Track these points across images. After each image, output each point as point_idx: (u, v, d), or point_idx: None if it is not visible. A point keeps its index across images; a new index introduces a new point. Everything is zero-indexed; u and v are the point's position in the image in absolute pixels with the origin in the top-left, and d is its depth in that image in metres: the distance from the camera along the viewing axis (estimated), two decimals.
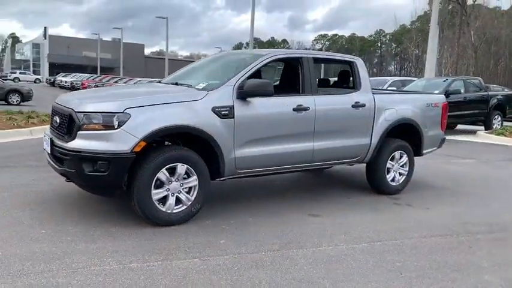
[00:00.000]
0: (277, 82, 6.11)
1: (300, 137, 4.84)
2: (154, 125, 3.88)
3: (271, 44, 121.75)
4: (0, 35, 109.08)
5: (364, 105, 5.29)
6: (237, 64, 4.78)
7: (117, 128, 3.80)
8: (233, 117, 4.31)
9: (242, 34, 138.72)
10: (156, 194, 4.00)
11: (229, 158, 4.35)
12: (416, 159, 6.01)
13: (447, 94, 12.62)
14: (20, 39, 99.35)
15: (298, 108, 4.76)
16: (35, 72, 62.45)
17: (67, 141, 3.95)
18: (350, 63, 5.47)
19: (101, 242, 3.68)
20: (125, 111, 3.84)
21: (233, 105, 4.32)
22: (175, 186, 4.10)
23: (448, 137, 12.63)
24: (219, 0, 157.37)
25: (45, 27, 55.19)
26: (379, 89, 7.37)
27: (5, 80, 44.33)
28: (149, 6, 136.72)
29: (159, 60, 69.15)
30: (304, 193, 5.66)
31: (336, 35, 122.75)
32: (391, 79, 15.69)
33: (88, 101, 4.08)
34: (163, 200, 4.07)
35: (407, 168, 5.87)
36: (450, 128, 14.71)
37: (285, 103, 4.75)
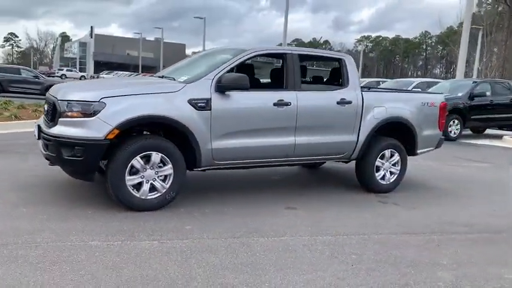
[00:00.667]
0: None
1: (281, 131, 4.93)
2: (128, 114, 4.10)
3: (312, 44, 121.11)
4: (52, 33, 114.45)
5: (350, 102, 5.31)
6: (221, 59, 4.93)
7: (92, 116, 4.04)
8: (210, 110, 4.47)
9: (289, 35, 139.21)
10: (130, 180, 4.22)
11: (206, 148, 4.51)
12: (426, 160, 5.95)
13: (472, 97, 12.29)
14: (70, 38, 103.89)
15: (279, 103, 4.85)
16: (81, 70, 65.28)
17: (50, 128, 4.24)
18: (339, 61, 5.51)
19: (73, 221, 3.94)
20: (101, 101, 4.08)
21: (210, 98, 4.48)
22: (150, 174, 4.30)
23: (471, 141, 12.40)
24: (264, 1, 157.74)
25: (91, 27, 57.30)
26: (370, 88, 7.31)
27: (54, 76, 46.67)
28: (195, 7, 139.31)
29: None
30: (292, 188, 5.75)
31: (379, 36, 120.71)
32: (417, 80, 15.39)
33: (71, 91, 4.36)
34: (138, 186, 4.28)
35: (399, 167, 5.83)
36: (478, 132, 14.30)
37: (266, 98, 4.86)
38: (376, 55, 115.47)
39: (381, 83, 18.40)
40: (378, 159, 5.65)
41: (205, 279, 3.04)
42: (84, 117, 4.07)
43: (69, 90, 4.37)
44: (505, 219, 4.97)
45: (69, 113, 4.11)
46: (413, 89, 14.34)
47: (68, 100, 4.17)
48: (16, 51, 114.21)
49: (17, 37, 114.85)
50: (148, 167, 4.28)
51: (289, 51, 5.11)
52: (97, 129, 4.04)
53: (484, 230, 4.58)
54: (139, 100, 4.22)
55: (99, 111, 4.05)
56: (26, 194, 4.69)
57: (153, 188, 4.35)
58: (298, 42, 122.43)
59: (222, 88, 4.52)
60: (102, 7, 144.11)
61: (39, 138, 4.52)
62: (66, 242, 3.49)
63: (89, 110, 4.06)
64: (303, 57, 5.32)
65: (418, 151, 6.05)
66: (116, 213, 4.20)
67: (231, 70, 4.72)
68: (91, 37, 58.96)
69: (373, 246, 3.88)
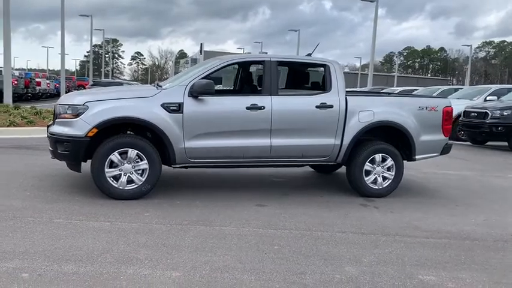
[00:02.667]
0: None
1: (255, 133, 5.28)
2: (105, 116, 4.83)
3: (426, 52, 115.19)
4: (171, 51, 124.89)
5: (331, 106, 5.47)
6: (203, 68, 5.46)
7: (77, 117, 4.85)
8: (182, 112, 5.02)
9: (399, 43, 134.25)
10: (110, 172, 4.93)
11: (179, 147, 5.06)
12: (449, 169, 5.83)
13: None
14: (187, 55, 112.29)
15: (252, 107, 5.23)
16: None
17: (51, 127, 5.15)
18: (323, 66, 5.69)
19: (57, 204, 4.76)
20: (85, 104, 4.87)
21: (183, 102, 5.03)
22: (128, 168, 4.97)
23: None
24: (379, 10, 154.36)
25: (201, 44, 61.83)
26: (359, 92, 7.18)
27: None
28: (308, 20, 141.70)
29: None
30: (280, 189, 6.02)
31: (503, 41, 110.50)
32: (494, 87, 14.30)
33: (68, 97, 5.24)
34: (118, 178, 4.97)
35: (393, 172, 5.78)
36: None
37: (239, 102, 5.28)
38: (499, 61, 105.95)
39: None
40: (367, 163, 5.68)
41: (119, 253, 3.57)
42: (72, 118, 4.89)
43: (67, 97, 5.26)
44: (484, 229, 4.71)
45: (63, 115, 4.97)
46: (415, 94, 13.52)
47: (62, 104, 5.04)
48: (141, 68, 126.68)
49: (142, 55, 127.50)
50: (125, 162, 4.96)
51: (267, 59, 5.45)
52: (80, 128, 4.82)
53: (447, 236, 4.43)
54: (117, 104, 4.93)
55: (83, 113, 4.84)
56: (38, 181, 5.68)
57: (131, 181, 5.01)
58: (410, 50, 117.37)
59: (194, 93, 5.05)
60: (221, 25, 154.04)
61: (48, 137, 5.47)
62: (37, 218, 4.28)
63: (75, 112, 4.88)
64: (282, 64, 5.62)
65: (417, 157, 5.91)
66: (97, 200, 4.93)
67: (206, 77, 5.21)
68: (200, 53, 63.28)
69: (305, 241, 4.07)
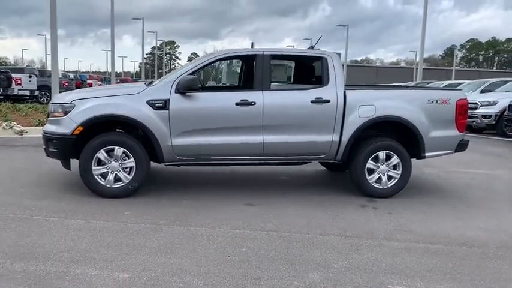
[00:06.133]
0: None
1: (246, 130, 5.09)
2: (89, 113, 4.83)
3: (491, 44, 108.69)
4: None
5: (328, 101, 5.16)
6: (192, 64, 5.33)
7: (65, 116, 4.88)
8: (168, 109, 4.92)
9: (467, 35, 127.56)
10: (97, 170, 4.93)
11: (166, 145, 4.98)
12: (479, 167, 5.40)
13: None
14: None
15: (242, 103, 5.03)
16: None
17: (44, 125, 5.24)
18: (320, 59, 5.38)
19: (44, 201, 4.84)
20: (72, 102, 4.90)
21: (169, 99, 4.94)
22: (114, 166, 4.95)
23: None
24: (446, 2, 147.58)
25: (252, 43, 61.58)
26: (362, 85, 6.71)
27: None
28: (370, 15, 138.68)
29: (357, 68, 69.36)
30: (278, 188, 5.78)
31: None
32: None
33: (60, 96, 5.30)
34: (105, 176, 4.97)
35: (399, 171, 5.37)
36: None
37: (228, 98, 5.10)
38: None
39: None
40: (369, 161, 5.32)
41: (77, 252, 3.52)
42: (61, 116, 4.93)
43: (59, 95, 5.33)
44: (490, 235, 4.23)
45: (54, 113, 5.03)
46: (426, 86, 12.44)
47: (53, 103, 5.11)
48: None
49: (198, 56, 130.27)
50: (112, 160, 4.94)
51: (259, 52, 5.23)
52: (66, 126, 4.86)
53: (443, 241, 4.02)
54: (102, 102, 4.92)
55: (69, 111, 4.87)
56: (34, 176, 5.82)
57: (118, 179, 4.98)
58: (473, 43, 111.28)
59: (180, 89, 4.94)
60: (280, 23, 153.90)
61: None
62: (18, 214, 4.36)
63: (64, 110, 4.92)
64: (276, 57, 5.37)
65: (427, 154, 5.45)
66: (84, 198, 4.95)
67: (193, 73, 5.09)
68: None
69: (278, 244, 3.83)
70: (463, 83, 17.59)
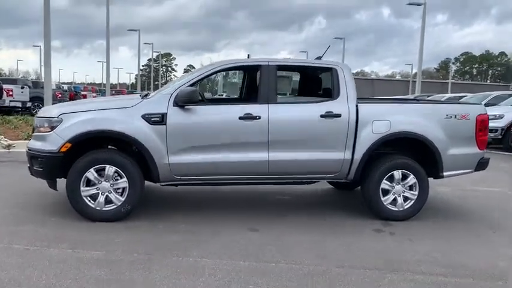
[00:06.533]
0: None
1: (250, 146, 4.65)
2: (78, 129, 4.38)
3: (484, 57, 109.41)
4: None
5: (338, 116, 4.74)
6: (192, 75, 4.90)
7: (51, 131, 4.43)
8: (165, 124, 4.48)
9: (461, 48, 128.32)
10: (86, 191, 4.46)
11: (162, 163, 4.52)
12: (496, 185, 4.98)
13: None
14: None
15: (246, 117, 4.60)
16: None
17: (29, 142, 4.78)
18: (329, 71, 4.97)
19: (27, 225, 4.37)
20: (59, 116, 4.45)
21: (166, 113, 4.49)
22: (105, 186, 4.48)
23: None
24: (441, 16, 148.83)
25: (248, 55, 61.87)
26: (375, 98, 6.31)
27: None
28: (365, 28, 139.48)
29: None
30: (284, 209, 5.32)
31: None
32: None
33: (45, 109, 4.85)
34: (94, 197, 4.50)
35: (416, 192, 4.94)
36: None
37: (231, 111, 4.67)
38: None
39: None
40: (384, 181, 4.89)
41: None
42: (47, 132, 4.47)
43: (46, 109, 4.88)
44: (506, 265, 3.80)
45: (39, 128, 4.58)
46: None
47: (39, 117, 4.66)
48: None
49: (194, 68, 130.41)
50: (103, 180, 4.47)
51: (264, 63, 4.81)
52: (53, 143, 4.40)
53: (473, 275, 3.57)
54: (92, 116, 4.47)
55: (57, 126, 4.42)
56: (24, 198, 5.33)
57: (110, 201, 4.52)
58: (467, 56, 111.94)
59: (178, 102, 4.50)
60: (276, 36, 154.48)
61: None
62: None
63: (50, 125, 4.46)
64: (282, 68, 4.97)
65: (445, 173, 5.03)
66: (71, 222, 4.47)
67: (193, 85, 4.66)
68: None
69: (289, 279, 3.38)
70: (465, 96, 17.29)
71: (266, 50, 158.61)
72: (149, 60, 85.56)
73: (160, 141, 4.48)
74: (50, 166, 4.44)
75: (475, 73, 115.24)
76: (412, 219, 4.96)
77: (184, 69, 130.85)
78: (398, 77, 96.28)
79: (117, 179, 4.50)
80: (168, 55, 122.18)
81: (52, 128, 4.43)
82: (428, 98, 17.77)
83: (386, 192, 4.92)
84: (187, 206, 5.30)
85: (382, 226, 4.76)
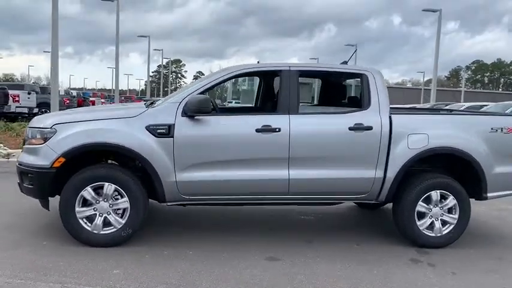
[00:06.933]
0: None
1: (268, 163, 4.09)
2: (74, 141, 3.85)
3: (496, 66, 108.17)
4: None
5: (370, 128, 4.16)
6: (204, 81, 4.36)
7: (43, 143, 3.90)
8: (172, 137, 3.94)
9: (472, 56, 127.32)
10: (82, 212, 3.92)
11: (169, 181, 3.98)
12: None
13: None
14: None
15: (264, 129, 4.05)
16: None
17: (20, 155, 4.25)
18: (359, 77, 4.40)
19: (14, 251, 3.84)
20: (53, 127, 3.92)
21: (173, 124, 3.95)
22: (104, 207, 3.94)
23: None
24: (452, 23, 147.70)
25: (258, 62, 61.50)
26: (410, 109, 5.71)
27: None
28: (376, 36, 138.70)
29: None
30: (304, 231, 4.73)
31: None
32: None
33: (39, 118, 4.32)
34: (91, 219, 3.96)
35: (456, 215, 4.34)
36: None
37: (247, 123, 4.12)
38: None
39: None
40: (420, 202, 4.30)
41: None
42: (39, 144, 3.95)
43: (39, 118, 4.36)
44: None
45: (31, 140, 4.06)
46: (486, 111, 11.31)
47: (30, 127, 4.14)
48: None
49: (204, 74, 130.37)
50: (101, 199, 3.94)
51: (285, 68, 4.25)
52: (45, 157, 3.88)
53: None
54: (90, 127, 3.93)
55: (50, 138, 3.89)
56: (18, 218, 4.77)
57: (108, 223, 3.97)
58: (478, 64, 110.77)
59: (188, 112, 3.96)
60: (286, 44, 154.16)
61: None
62: None
63: (42, 137, 3.94)
64: (304, 74, 4.40)
65: (489, 194, 4.42)
66: (65, 247, 3.93)
67: (204, 92, 4.12)
68: None
69: None
70: (486, 105, 16.60)
71: (276, 57, 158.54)
72: (159, 66, 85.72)
73: (167, 156, 3.94)
74: (41, 183, 3.91)
75: (486, 81, 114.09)
76: (452, 247, 4.36)
77: (194, 75, 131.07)
78: (409, 85, 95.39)
79: (117, 199, 3.96)
80: (177, 61, 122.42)
81: (45, 140, 3.91)
82: (446, 108, 17.10)
83: (422, 215, 4.33)
84: (196, 228, 4.72)
85: (418, 255, 4.16)
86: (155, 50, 53.77)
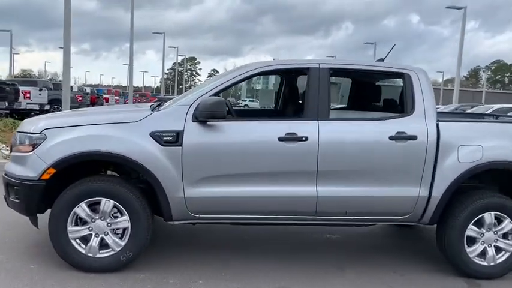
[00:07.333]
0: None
1: (293, 177, 3.48)
2: (67, 149, 3.28)
3: None
4: None
5: (414, 138, 3.52)
6: (219, 80, 3.75)
7: (31, 151, 3.34)
8: (181, 145, 3.35)
9: (491, 56, 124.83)
10: (75, 231, 3.36)
11: (176, 197, 3.39)
12: None
13: None
14: None
15: (289, 138, 3.44)
16: None
17: (6, 164, 3.70)
18: (401, 76, 3.76)
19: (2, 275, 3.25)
20: (42, 132, 3.36)
21: (183, 130, 3.37)
22: (100, 226, 3.38)
23: None
24: (472, 23, 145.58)
25: (273, 59, 60.78)
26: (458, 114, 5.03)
27: (237, 106, 50.17)
28: (393, 35, 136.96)
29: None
30: (327, 255, 4.10)
31: None
32: None
33: (32, 121, 3.77)
34: (86, 240, 3.39)
35: None
36: None
37: (268, 130, 3.52)
38: None
39: None
40: (471, 226, 3.65)
41: None
42: (26, 152, 3.39)
43: (29, 121, 3.81)
44: None
45: (18, 146, 3.50)
46: None
47: (19, 131, 3.59)
48: None
49: (218, 72, 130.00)
50: (97, 217, 3.37)
51: (313, 65, 3.62)
52: (32, 167, 3.32)
53: None
54: (85, 132, 3.35)
55: (38, 145, 3.33)
56: (5, 235, 4.22)
57: (105, 245, 3.40)
58: (499, 64, 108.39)
59: (199, 116, 3.37)
60: (302, 41, 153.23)
61: None
62: None
63: (31, 143, 3.39)
64: (338, 73, 3.78)
65: None
66: (54, 272, 3.37)
67: (218, 93, 3.53)
68: None
69: None
70: None
71: (291, 55, 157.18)
72: (174, 64, 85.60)
73: (174, 167, 3.35)
74: (29, 198, 3.36)
75: (506, 82, 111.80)
76: (504, 278, 3.70)
77: (209, 73, 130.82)
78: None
79: (117, 217, 3.39)
80: (192, 59, 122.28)
81: (33, 147, 3.35)
82: (472, 110, 16.25)
83: (472, 241, 3.68)
84: (206, 250, 4.07)
85: (467, 286, 3.51)
86: (170, 47, 53.44)
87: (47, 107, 18.29)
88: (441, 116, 3.88)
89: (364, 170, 3.52)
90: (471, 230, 3.65)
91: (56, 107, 18.87)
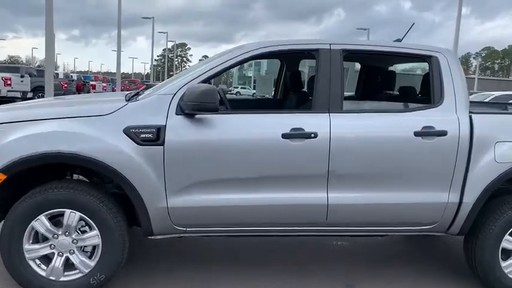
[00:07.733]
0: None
1: (299, 181, 2.89)
2: (20, 150, 2.64)
3: (507, 52, 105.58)
4: None
5: (443, 134, 2.93)
6: (209, 64, 3.11)
7: None
8: (162, 144, 2.73)
9: (481, 43, 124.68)
10: (33, 250, 2.75)
11: (157, 207, 2.79)
12: None
13: None
14: None
15: (295, 135, 2.83)
16: (255, 88, 68.43)
17: None
18: (427, 59, 3.15)
19: None
20: None
21: (165, 125, 2.74)
22: (65, 243, 2.77)
23: None
24: (464, 9, 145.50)
25: None
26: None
27: (229, 93, 49.40)
28: (385, 21, 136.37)
29: None
30: (338, 264, 3.54)
31: None
32: None
33: None
34: (48, 260, 2.78)
35: None
36: None
37: (269, 125, 2.90)
38: None
39: None
40: (507, 236, 3.09)
41: None
42: None
43: None
44: None
45: None
46: None
47: None
48: None
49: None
50: (60, 233, 2.75)
51: (323, 46, 3.00)
52: None
53: None
54: (43, 128, 2.71)
55: None
56: None
57: (72, 265, 2.80)
58: (489, 51, 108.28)
59: (185, 109, 2.74)
60: (294, 28, 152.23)
61: None
62: None
63: None
64: (351, 57, 3.16)
65: None
66: None
67: (208, 80, 2.90)
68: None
69: None
70: None
71: None
72: (164, 50, 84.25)
73: (154, 172, 2.73)
74: None
75: (496, 68, 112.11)
76: None
77: (199, 59, 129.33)
78: (419, 72, 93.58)
79: (84, 232, 2.78)
80: (183, 45, 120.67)
81: None
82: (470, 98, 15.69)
83: (508, 254, 3.12)
84: (195, 264, 3.52)
85: None
86: (160, 32, 52.47)
87: (30, 94, 17.50)
88: (473, 106, 3.28)
89: (384, 172, 2.93)
90: (507, 242, 3.10)
91: (40, 94, 18.09)
